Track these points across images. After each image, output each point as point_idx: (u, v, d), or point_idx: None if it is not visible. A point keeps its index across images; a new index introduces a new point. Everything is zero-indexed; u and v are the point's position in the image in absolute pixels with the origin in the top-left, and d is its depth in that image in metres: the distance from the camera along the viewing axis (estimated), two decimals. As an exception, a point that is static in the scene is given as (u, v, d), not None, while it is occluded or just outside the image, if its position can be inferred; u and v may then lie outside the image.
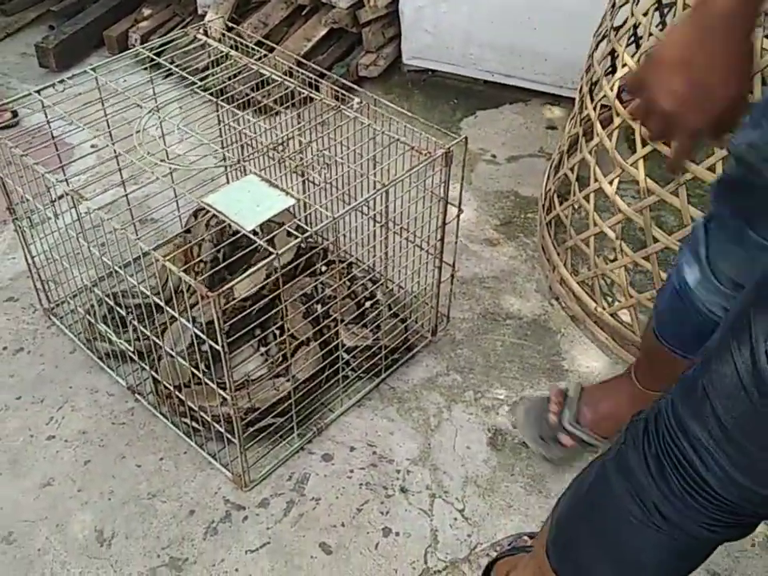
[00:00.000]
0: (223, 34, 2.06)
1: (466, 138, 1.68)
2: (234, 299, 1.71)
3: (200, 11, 3.12)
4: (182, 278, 1.38)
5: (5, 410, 1.80)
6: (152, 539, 1.57)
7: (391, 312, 1.90)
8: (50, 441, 1.74)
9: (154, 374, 1.73)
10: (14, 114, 2.58)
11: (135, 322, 1.67)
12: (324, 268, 1.99)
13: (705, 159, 1.62)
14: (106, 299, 1.72)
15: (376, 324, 1.85)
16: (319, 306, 1.88)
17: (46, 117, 1.77)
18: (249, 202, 1.46)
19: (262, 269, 1.57)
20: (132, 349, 1.74)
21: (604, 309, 1.95)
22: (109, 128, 1.83)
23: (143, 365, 1.75)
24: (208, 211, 2.16)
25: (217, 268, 1.78)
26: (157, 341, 1.65)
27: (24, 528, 1.58)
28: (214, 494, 1.64)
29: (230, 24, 2.46)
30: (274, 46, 2.18)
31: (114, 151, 1.81)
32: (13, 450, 1.72)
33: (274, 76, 1.83)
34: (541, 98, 2.87)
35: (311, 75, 1.88)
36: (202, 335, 1.46)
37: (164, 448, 1.73)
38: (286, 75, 1.85)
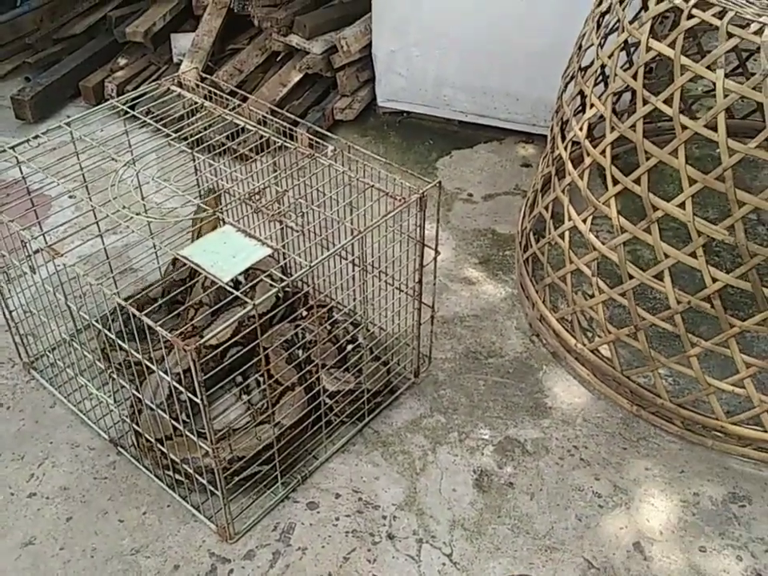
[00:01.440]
0: (197, 84, 2.08)
1: (440, 182, 1.70)
2: (207, 347, 1.71)
3: (175, 60, 3.15)
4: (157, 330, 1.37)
5: (-16, 469, 1.78)
6: (136, 597, 1.54)
7: (373, 355, 1.90)
8: (31, 498, 1.72)
9: (135, 426, 1.71)
10: (-9, 167, 2.58)
11: (114, 375, 1.66)
12: (305, 313, 2.00)
13: (674, 194, 1.65)
14: (85, 353, 1.71)
15: (358, 368, 1.85)
16: (301, 352, 1.88)
17: (21, 173, 1.77)
18: (225, 254, 1.47)
19: (238, 317, 1.57)
20: (113, 401, 1.73)
21: (584, 345, 1.96)
22: (85, 181, 1.84)
23: (123, 417, 1.74)
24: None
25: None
26: (136, 393, 1.64)
27: (4, 591, 1.56)
28: (199, 548, 1.62)
29: (203, 74, 2.49)
30: (248, 95, 2.21)
31: (91, 204, 1.82)
32: (-8, 509, 1.70)
33: (248, 126, 1.84)
34: (515, 136, 2.91)
35: (285, 123, 1.90)
36: (179, 386, 1.45)
37: (147, 502, 1.71)
38: (260, 123, 1.87)
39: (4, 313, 1.89)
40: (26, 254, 1.76)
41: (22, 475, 1.77)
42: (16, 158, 1.74)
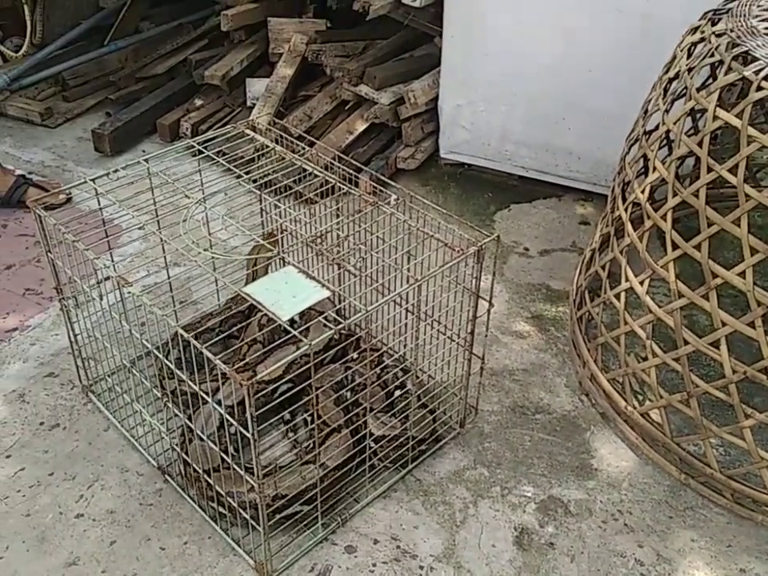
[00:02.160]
0: (269, 128, 2.17)
1: (498, 236, 1.72)
2: (260, 382, 1.74)
3: (249, 103, 3.27)
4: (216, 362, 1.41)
5: (37, 486, 1.83)
6: (172, 626, 1.57)
7: (420, 402, 1.92)
8: (79, 519, 1.76)
9: (184, 455, 1.75)
10: (69, 197, 2.71)
11: (169, 404, 1.71)
12: (356, 356, 2.03)
13: (734, 262, 1.64)
14: (143, 380, 1.77)
15: (405, 414, 1.86)
16: (349, 394, 1.90)
17: (99, 204, 1.86)
18: (286, 293, 1.52)
19: (293, 356, 1.61)
20: (165, 429, 1.78)
21: (634, 408, 1.94)
22: (157, 216, 1.92)
23: (174, 446, 1.78)
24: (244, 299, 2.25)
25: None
26: (188, 423, 1.68)
27: (47, 607, 1.59)
28: (236, 582, 1.64)
29: (275, 119, 2.58)
30: (315, 141, 2.28)
31: (161, 237, 1.89)
32: (41, 526, 1.74)
33: (312, 170, 1.91)
34: (574, 193, 2.93)
35: (349, 170, 1.96)
36: (231, 419, 1.49)
37: (189, 531, 1.74)
38: (326, 169, 1.94)
39: (69, 336, 1.97)
40: (97, 281, 1.85)
41: (72, 495, 1.82)
42: (95, 189, 1.83)
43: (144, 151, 3.14)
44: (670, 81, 2.02)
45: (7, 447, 1.92)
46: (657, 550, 1.72)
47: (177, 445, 1.80)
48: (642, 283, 1.88)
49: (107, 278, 1.71)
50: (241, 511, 1.62)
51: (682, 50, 1.95)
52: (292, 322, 1.96)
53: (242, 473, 1.54)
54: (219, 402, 1.64)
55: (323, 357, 1.96)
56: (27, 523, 1.75)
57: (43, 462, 1.89)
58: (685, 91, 1.90)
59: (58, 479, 1.85)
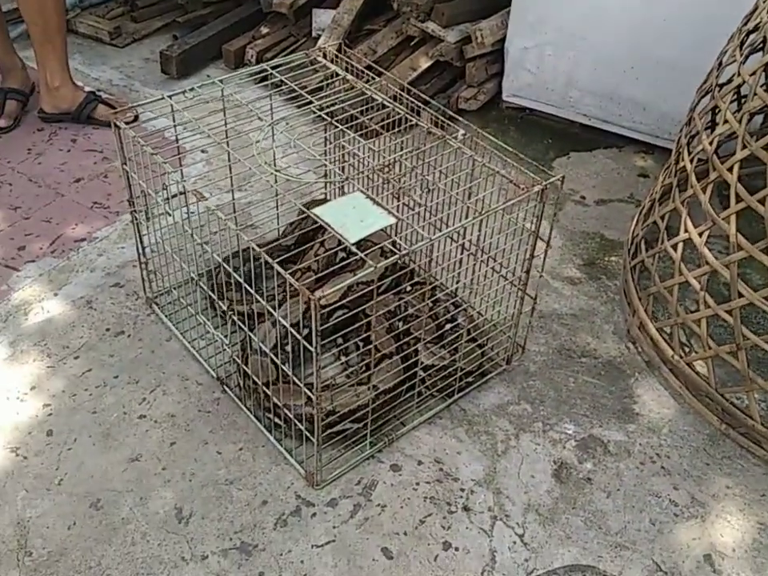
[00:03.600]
0: (336, 56, 2.18)
1: (563, 176, 1.75)
2: (324, 305, 1.81)
3: (314, 34, 3.28)
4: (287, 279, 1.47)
5: (103, 387, 1.94)
6: (226, 522, 1.67)
7: (469, 337, 1.97)
8: (141, 420, 1.87)
9: (244, 367, 1.84)
10: (136, 116, 2.77)
11: (234, 317, 1.79)
12: (410, 288, 2.08)
13: (798, 221, 1.65)
14: (209, 292, 1.84)
15: (454, 346, 1.92)
16: (401, 324, 1.96)
17: (174, 121, 1.91)
18: (353, 217, 1.56)
19: (358, 279, 1.66)
20: (228, 342, 1.86)
21: (681, 357, 1.97)
22: (227, 137, 1.97)
23: (235, 358, 1.87)
24: (304, 225, 2.30)
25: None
26: (252, 336, 1.76)
27: (111, 497, 1.71)
28: (287, 488, 1.74)
29: (346, 47, 2.59)
30: (383, 71, 2.29)
31: (228, 158, 1.95)
32: (106, 424, 1.86)
33: (382, 101, 1.93)
34: (635, 145, 2.91)
35: (416, 102, 1.98)
36: (297, 334, 1.55)
37: (244, 439, 1.83)
38: (393, 100, 1.96)
39: (138, 248, 2.05)
40: (168, 195, 1.91)
41: (135, 398, 1.92)
42: (171, 106, 1.89)
43: (209, 76, 3.18)
44: (749, 33, 1.98)
45: (76, 349, 2.03)
46: (691, 494, 1.78)
47: (237, 357, 1.88)
48: (701, 235, 1.89)
49: (182, 193, 1.77)
50: (297, 422, 1.70)
51: (764, 1, 1.91)
52: (348, 252, 2.03)
53: (301, 386, 1.61)
54: (285, 317, 1.71)
55: (378, 285, 2.01)
56: (94, 420, 1.86)
57: (109, 365, 1.99)
58: (762, 44, 1.88)
59: (123, 382, 1.95)
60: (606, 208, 2.65)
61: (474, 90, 3.03)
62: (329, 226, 1.53)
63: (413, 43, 3.13)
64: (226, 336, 1.89)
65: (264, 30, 3.32)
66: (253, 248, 1.53)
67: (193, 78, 3.18)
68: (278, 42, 3.28)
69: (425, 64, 3.04)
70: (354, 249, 1.51)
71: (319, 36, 3.17)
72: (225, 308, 1.81)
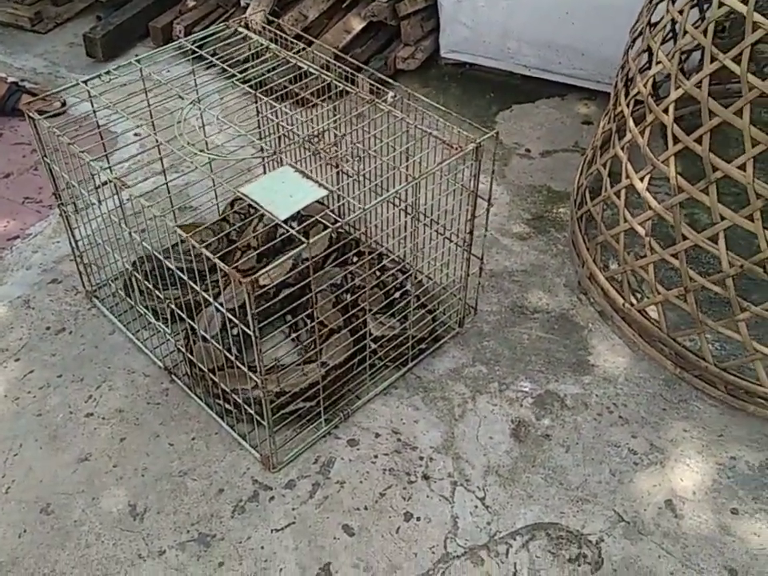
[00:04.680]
0: (263, 27, 2.11)
1: (497, 132, 1.70)
2: (260, 286, 1.76)
3: (242, 3, 3.17)
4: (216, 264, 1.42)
5: (47, 387, 1.88)
6: (182, 515, 1.63)
7: (419, 303, 1.94)
8: (89, 418, 1.82)
9: (189, 356, 1.79)
10: (63, 103, 2.67)
11: (172, 306, 1.73)
12: (355, 258, 2.03)
13: (736, 158, 1.62)
14: (146, 283, 1.78)
15: (404, 314, 1.88)
16: (348, 295, 1.92)
17: (92, 106, 1.83)
18: (283, 193, 1.51)
19: (291, 257, 1.62)
20: (169, 330, 1.81)
21: (632, 305, 1.96)
22: (152, 118, 1.89)
23: (179, 347, 1.82)
24: (242, 201, 2.24)
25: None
26: (192, 324, 1.71)
27: (62, 500, 1.66)
28: (243, 474, 1.70)
29: (270, 18, 2.51)
30: (313, 39, 2.22)
31: (156, 141, 1.87)
32: (53, 425, 1.80)
33: (311, 69, 1.87)
34: (577, 92, 2.87)
35: (348, 69, 1.92)
36: (234, 319, 1.51)
37: (196, 428, 1.79)
38: (323, 68, 1.89)
39: (71, 242, 1.98)
40: (94, 185, 1.84)
41: (81, 396, 1.87)
42: (88, 92, 1.80)
43: (137, 55, 3.05)
44: (677, -32, 1.94)
45: (15, 351, 1.96)
46: (650, 440, 1.77)
47: (182, 346, 1.83)
48: (642, 180, 1.87)
49: (105, 183, 1.70)
50: (246, 407, 1.66)
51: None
52: (290, 227, 1.97)
53: (245, 370, 1.57)
54: (221, 305, 1.66)
55: (322, 258, 1.97)
56: (39, 422, 1.80)
57: (51, 364, 1.93)
58: (691, -21, 1.83)
59: (67, 381, 1.90)
60: (551, 159, 2.62)
61: (411, 49, 2.96)
62: (258, 204, 1.48)
63: (344, 5, 3.04)
64: (170, 324, 1.83)
65: (190, 3, 3.20)
66: (180, 235, 1.47)
67: (120, 59, 3.06)
68: (207, 15, 3.17)
69: (358, 26, 2.96)
70: (284, 226, 1.45)
71: (248, 5, 3.07)
72: (162, 299, 1.75)
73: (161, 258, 1.64)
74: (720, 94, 2.26)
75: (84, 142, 1.75)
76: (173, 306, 1.73)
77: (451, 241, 1.90)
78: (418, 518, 1.63)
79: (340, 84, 1.83)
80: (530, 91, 2.90)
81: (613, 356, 1.97)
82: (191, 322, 1.71)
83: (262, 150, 2.14)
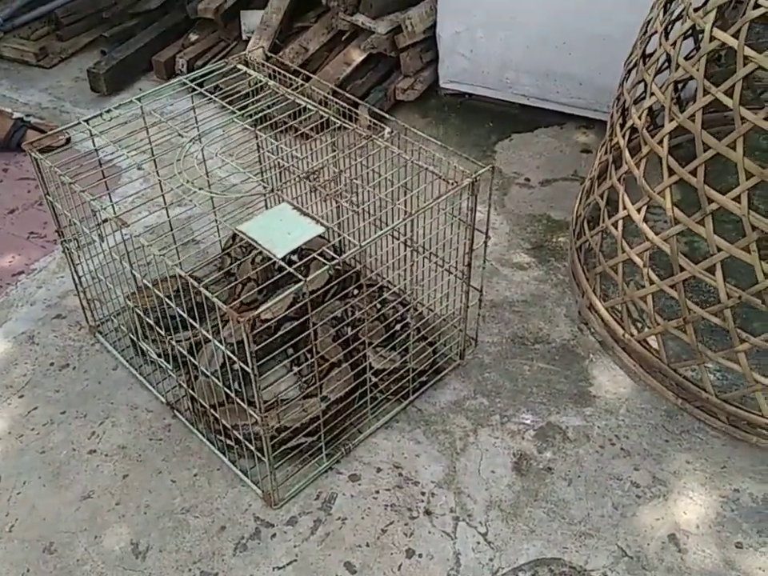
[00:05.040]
0: (263, 63, 2.13)
1: (493, 167, 1.71)
2: (262, 321, 1.78)
3: (244, 36, 3.22)
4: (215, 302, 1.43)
5: (50, 424, 1.89)
6: (184, 553, 1.63)
7: (420, 335, 1.94)
8: (92, 455, 1.82)
9: (190, 391, 1.79)
10: (68, 139, 2.70)
11: (173, 342, 1.74)
12: (356, 291, 2.05)
13: (735, 186, 1.63)
14: (147, 320, 1.80)
15: (404, 347, 1.89)
16: (349, 329, 1.93)
17: (94, 145, 1.86)
18: (281, 230, 1.53)
19: (292, 293, 1.63)
20: (170, 365, 1.82)
21: (632, 335, 1.96)
22: (153, 154, 1.91)
23: (181, 382, 1.83)
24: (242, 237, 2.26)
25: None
26: (193, 360, 1.72)
27: (64, 539, 1.66)
28: (245, 511, 1.70)
29: (269, 54, 2.54)
30: (311, 75, 2.25)
31: (158, 177, 1.89)
32: (56, 462, 1.81)
33: (306, 105, 1.89)
34: (576, 121, 2.89)
35: (345, 105, 1.94)
36: (232, 356, 1.52)
37: (198, 464, 1.80)
38: (321, 103, 1.92)
39: (73, 278, 1.99)
40: (96, 222, 1.86)
41: (84, 432, 1.87)
42: (90, 130, 1.83)
43: (141, 89, 3.10)
44: (669, 1, 1.97)
45: (20, 387, 1.97)
46: (652, 473, 1.77)
47: (183, 381, 1.84)
48: (639, 211, 1.88)
49: (105, 220, 1.72)
50: (247, 444, 1.66)
51: (681, -31, 1.89)
52: (290, 261, 1.99)
53: (245, 406, 1.58)
54: (224, 340, 1.67)
55: (323, 293, 1.98)
56: (42, 459, 1.81)
57: (55, 400, 1.94)
58: (684, 12, 1.85)
59: (70, 417, 1.90)
60: (551, 188, 2.63)
61: (411, 80, 2.99)
62: (255, 242, 1.49)
63: (344, 38, 3.08)
64: (171, 360, 1.84)
65: (193, 38, 3.25)
66: (179, 276, 1.49)
67: (124, 93, 3.11)
68: (209, 48, 3.21)
69: (358, 58, 2.99)
70: (282, 264, 1.47)
71: (249, 38, 3.11)
72: (163, 335, 1.76)
73: (161, 295, 1.65)
74: (718, 121, 2.28)
75: (89, 178, 1.77)
76: (173, 343, 1.74)
77: (450, 273, 1.91)
78: (420, 555, 1.62)
79: (337, 120, 1.85)
80: (529, 120, 2.92)
81: (614, 387, 1.97)
82: (192, 359, 1.72)
83: (263, 185, 2.16)
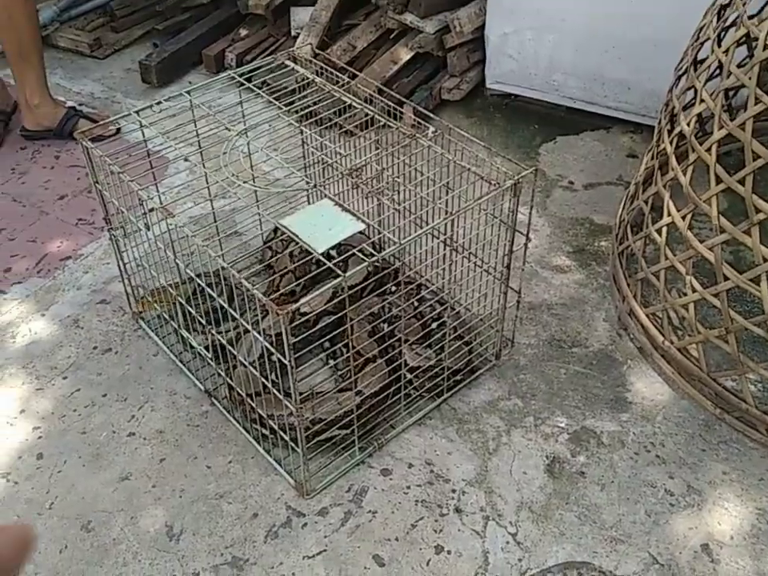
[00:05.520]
0: (311, 59, 2.16)
1: (536, 169, 1.72)
2: (298, 315, 1.80)
3: (293, 33, 3.25)
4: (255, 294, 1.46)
5: (91, 406, 1.94)
6: (217, 538, 1.66)
7: (456, 334, 1.95)
8: (130, 437, 1.87)
9: (228, 380, 1.83)
10: (118, 129, 2.76)
11: (213, 332, 1.77)
12: (394, 288, 2.06)
13: (780, 199, 1.61)
14: (189, 309, 1.83)
15: (440, 345, 1.90)
16: (386, 325, 1.94)
17: (143, 136, 1.90)
18: (322, 226, 1.54)
19: (331, 288, 1.65)
20: (210, 354, 1.85)
21: (672, 343, 1.94)
22: (200, 147, 1.95)
23: (219, 371, 1.86)
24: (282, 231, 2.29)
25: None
26: (232, 350, 1.75)
27: (102, 518, 1.71)
28: (277, 499, 1.73)
29: (317, 50, 2.56)
30: (357, 72, 2.26)
31: (204, 169, 1.93)
32: (96, 444, 1.85)
33: (351, 102, 1.90)
34: (622, 125, 2.86)
35: (390, 103, 1.95)
36: (270, 348, 1.54)
37: (233, 451, 1.83)
38: (367, 101, 1.93)
39: (119, 265, 2.04)
40: (143, 211, 1.90)
41: (124, 416, 1.92)
42: (140, 122, 1.87)
43: (190, 82, 3.16)
44: (723, 7, 1.94)
45: (63, 369, 2.03)
46: (687, 482, 1.75)
47: (222, 370, 1.87)
48: (684, 218, 1.85)
49: (152, 210, 1.76)
50: (281, 434, 1.69)
51: (736, -26, 1.86)
52: (329, 256, 2.01)
53: (281, 397, 1.60)
54: (263, 331, 1.70)
55: (362, 288, 1.99)
56: (83, 440, 1.86)
57: (97, 383, 1.99)
58: (738, 19, 1.83)
59: (111, 400, 1.95)
60: (594, 192, 2.61)
61: (457, 80, 2.99)
62: (296, 236, 1.51)
63: (392, 36, 3.09)
64: (211, 348, 1.87)
65: (243, 32, 3.29)
66: (222, 267, 1.52)
67: (174, 85, 3.16)
68: (258, 44, 3.25)
69: (405, 56, 3.00)
70: (322, 259, 1.49)
71: (298, 34, 3.14)
72: (204, 323, 1.80)
73: (203, 285, 1.68)
74: (768, 130, 2.24)
75: (138, 168, 1.81)
76: (213, 332, 1.77)
77: (489, 273, 1.91)
78: (449, 552, 1.63)
79: (381, 118, 1.86)
80: (575, 123, 2.90)
81: (651, 394, 1.95)
82: (231, 349, 1.75)
83: (306, 181, 2.18)
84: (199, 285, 1.70)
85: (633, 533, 1.66)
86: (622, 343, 2.08)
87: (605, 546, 1.64)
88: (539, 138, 2.86)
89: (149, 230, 1.86)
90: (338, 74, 2.07)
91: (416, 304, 2.00)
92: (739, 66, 1.82)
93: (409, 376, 1.84)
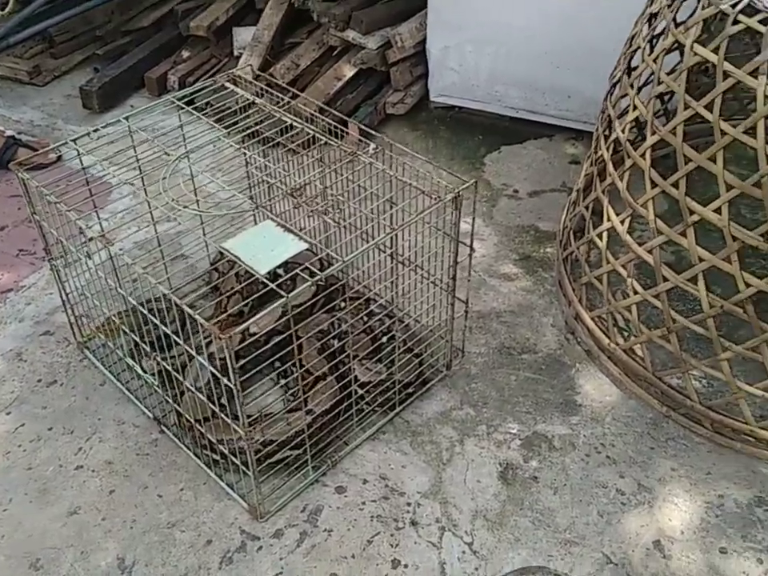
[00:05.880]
0: (252, 81, 2.15)
1: (476, 182, 1.73)
2: (247, 335, 1.79)
3: (236, 53, 3.24)
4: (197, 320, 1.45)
5: (37, 441, 1.89)
6: (170, 568, 1.64)
7: (406, 347, 1.95)
8: (78, 470, 1.83)
9: (177, 407, 1.80)
10: (59, 156, 2.73)
11: (158, 359, 1.75)
12: (343, 304, 2.06)
13: (712, 201, 1.65)
14: (132, 336, 1.81)
15: (391, 359, 1.90)
16: (335, 342, 1.94)
17: (81, 164, 1.88)
18: (264, 247, 1.54)
19: (278, 307, 1.64)
20: (157, 381, 1.83)
21: (617, 344, 1.97)
22: (141, 172, 1.93)
23: (167, 398, 1.83)
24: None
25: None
26: (178, 376, 1.73)
27: (51, 555, 1.67)
28: (231, 524, 1.71)
29: (258, 72, 2.56)
30: (299, 93, 2.27)
31: (145, 195, 1.91)
32: (43, 479, 1.81)
33: (294, 123, 1.91)
34: (565, 133, 2.91)
35: (332, 122, 1.96)
36: (217, 373, 1.53)
37: (185, 479, 1.80)
38: (309, 120, 1.94)
39: (61, 295, 2.01)
40: (82, 240, 1.87)
41: (71, 448, 1.88)
42: (77, 149, 1.85)
43: (132, 106, 3.13)
44: (653, 16, 1.99)
45: (7, 404, 1.98)
46: (638, 480, 1.77)
47: (170, 396, 1.85)
48: (623, 222, 1.89)
49: (91, 239, 1.74)
50: (232, 458, 1.67)
51: (661, -17, 1.91)
52: (276, 275, 2.00)
53: (229, 421, 1.58)
54: (212, 355, 1.68)
55: (308, 306, 1.99)
56: (29, 476, 1.82)
57: (42, 417, 1.95)
58: (666, 27, 1.88)
59: (57, 433, 1.91)
60: (539, 199, 2.65)
61: (401, 94, 3.01)
62: (239, 259, 1.51)
63: (335, 53, 3.11)
64: (156, 375, 1.85)
65: (185, 54, 3.28)
66: (163, 294, 1.50)
67: (116, 110, 3.13)
68: (201, 65, 3.24)
69: (349, 73, 3.02)
70: (265, 280, 1.48)
71: (241, 54, 3.14)
72: (148, 350, 1.77)
73: (146, 313, 1.66)
74: (705, 132, 2.28)
75: (78, 196, 1.78)
76: (159, 360, 1.75)
77: (436, 285, 1.92)
78: (406, 565, 1.63)
79: (322, 137, 1.86)
80: (518, 133, 2.94)
81: (600, 395, 1.97)
82: (177, 375, 1.73)
83: (252, 199, 2.17)
84: (142, 313, 1.68)
85: (586, 534, 1.68)
86: (570, 347, 2.11)
87: (559, 549, 1.65)
88: (484, 149, 2.89)
89: (90, 258, 1.84)
90: (278, 94, 2.07)
91: (365, 319, 2.00)
92: (672, 71, 1.86)
93: (360, 391, 1.84)
